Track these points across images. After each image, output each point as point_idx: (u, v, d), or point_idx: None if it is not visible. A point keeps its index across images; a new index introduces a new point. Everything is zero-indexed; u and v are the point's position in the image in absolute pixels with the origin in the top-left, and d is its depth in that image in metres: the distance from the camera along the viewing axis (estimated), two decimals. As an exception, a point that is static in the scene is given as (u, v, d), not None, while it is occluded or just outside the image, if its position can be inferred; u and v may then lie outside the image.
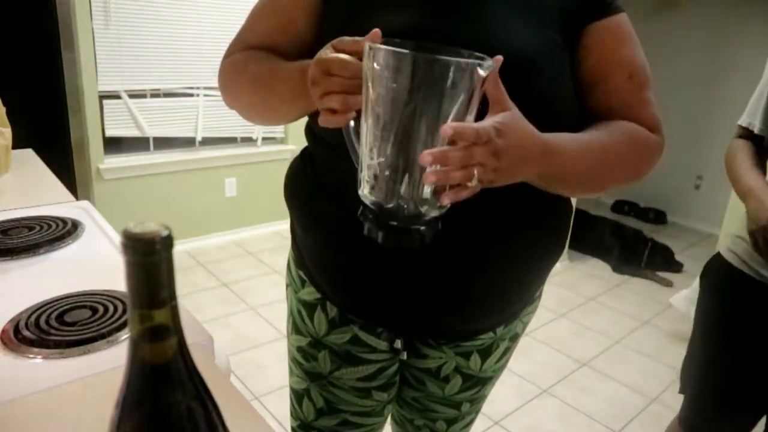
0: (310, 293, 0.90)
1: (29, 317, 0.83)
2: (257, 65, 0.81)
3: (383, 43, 0.59)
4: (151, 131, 3.17)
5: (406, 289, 0.79)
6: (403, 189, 0.60)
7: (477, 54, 0.59)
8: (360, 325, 0.87)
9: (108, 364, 0.75)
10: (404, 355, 0.91)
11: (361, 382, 0.92)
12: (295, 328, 0.95)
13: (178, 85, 3.17)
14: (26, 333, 0.79)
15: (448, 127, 0.55)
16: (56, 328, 0.81)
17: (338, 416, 0.95)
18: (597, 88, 0.78)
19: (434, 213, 0.62)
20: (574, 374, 2.38)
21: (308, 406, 0.96)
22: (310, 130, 0.86)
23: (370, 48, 0.57)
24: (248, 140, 3.60)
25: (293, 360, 0.98)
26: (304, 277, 0.91)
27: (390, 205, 0.61)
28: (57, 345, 0.77)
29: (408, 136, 0.58)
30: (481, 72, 0.56)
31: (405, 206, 0.61)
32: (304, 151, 0.90)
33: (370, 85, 0.58)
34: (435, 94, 0.56)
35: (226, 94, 0.88)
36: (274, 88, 0.77)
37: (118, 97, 3.02)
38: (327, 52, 0.63)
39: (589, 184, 0.76)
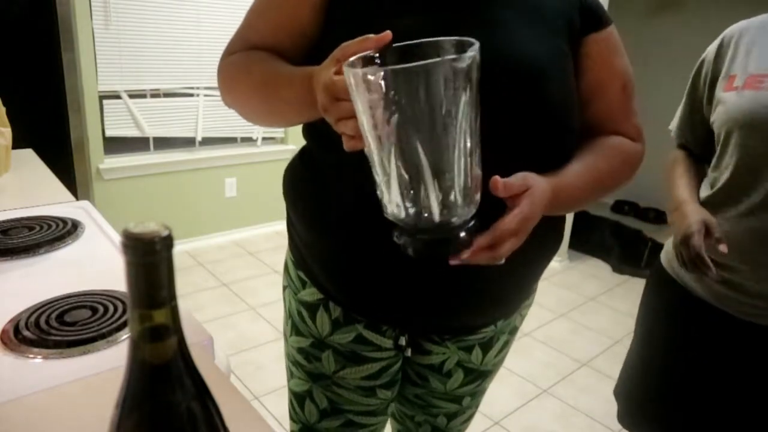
0: (311, 294, 0.89)
1: (29, 317, 0.83)
2: (261, 67, 0.78)
3: (363, 59, 0.57)
4: (151, 131, 3.17)
5: (412, 287, 0.79)
6: (421, 199, 0.58)
7: (464, 40, 0.57)
8: (364, 324, 0.87)
9: (108, 364, 0.75)
10: (408, 352, 0.91)
11: (365, 381, 0.91)
12: (296, 330, 0.94)
13: (178, 85, 3.17)
14: (26, 333, 0.79)
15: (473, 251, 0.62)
16: (56, 328, 0.81)
17: (342, 417, 0.94)
18: (593, 97, 0.81)
19: (464, 215, 0.60)
20: (574, 374, 2.38)
21: (311, 408, 0.96)
22: (309, 129, 0.85)
23: (345, 71, 0.56)
24: (248, 140, 3.60)
25: (294, 362, 0.96)
26: (305, 278, 0.90)
27: (412, 218, 0.60)
28: (57, 345, 0.77)
29: (409, 147, 0.56)
30: (461, 65, 0.54)
31: (428, 215, 0.59)
32: (303, 150, 0.90)
33: (358, 105, 0.56)
34: (420, 100, 0.54)
35: (226, 94, 0.85)
36: (279, 94, 0.75)
37: (118, 97, 3.02)
38: (331, 72, 0.61)
39: (583, 205, 0.82)
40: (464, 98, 0.55)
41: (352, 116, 0.59)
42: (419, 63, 0.53)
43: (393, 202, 0.60)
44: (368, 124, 0.57)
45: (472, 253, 0.63)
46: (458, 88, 0.54)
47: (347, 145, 0.62)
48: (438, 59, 0.54)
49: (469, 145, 0.58)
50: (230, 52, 0.85)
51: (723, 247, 0.96)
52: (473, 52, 0.54)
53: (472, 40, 0.56)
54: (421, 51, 0.58)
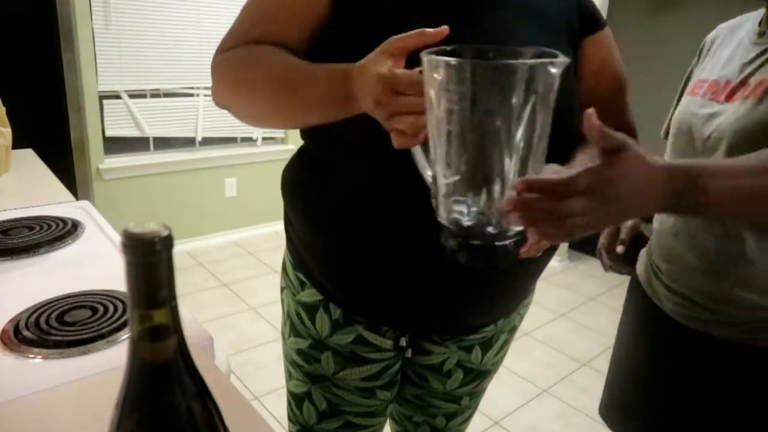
0: (310, 295, 0.89)
1: (29, 317, 0.83)
2: (275, 62, 0.73)
3: (439, 52, 0.55)
4: (151, 131, 3.17)
5: (413, 287, 0.79)
6: (482, 205, 0.56)
7: (546, 50, 0.56)
8: (364, 325, 0.87)
9: (108, 364, 0.75)
10: (409, 353, 0.91)
11: (365, 382, 0.91)
12: (294, 331, 0.93)
13: (178, 85, 3.17)
14: (26, 333, 0.79)
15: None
16: (56, 328, 0.81)
17: (341, 418, 0.94)
18: (590, 97, 0.82)
19: (519, 227, 0.59)
20: (574, 374, 2.38)
21: (309, 410, 0.95)
22: (307, 130, 0.85)
23: (429, 60, 0.53)
24: (248, 140, 3.60)
25: (292, 363, 0.96)
26: (304, 279, 0.90)
27: (470, 224, 0.58)
28: (57, 345, 0.77)
29: (480, 149, 0.54)
30: (553, 70, 0.52)
31: (486, 223, 0.57)
32: (302, 150, 0.89)
33: (433, 99, 0.54)
34: (502, 101, 0.52)
35: (223, 91, 0.80)
36: (300, 90, 0.71)
37: (118, 97, 3.02)
38: (384, 65, 0.58)
39: None
40: (548, 103, 0.54)
41: (409, 112, 0.57)
42: (521, 61, 0.51)
43: (451, 205, 0.58)
44: (442, 121, 0.54)
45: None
46: (547, 92, 0.53)
47: (398, 142, 0.59)
48: (539, 60, 0.52)
49: (540, 151, 0.56)
50: (228, 47, 0.80)
51: (620, 249, 1.10)
52: (565, 58, 0.53)
53: (556, 51, 0.55)
54: (499, 54, 0.56)
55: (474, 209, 0.57)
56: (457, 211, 0.58)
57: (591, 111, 0.55)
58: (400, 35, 0.60)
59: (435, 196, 0.60)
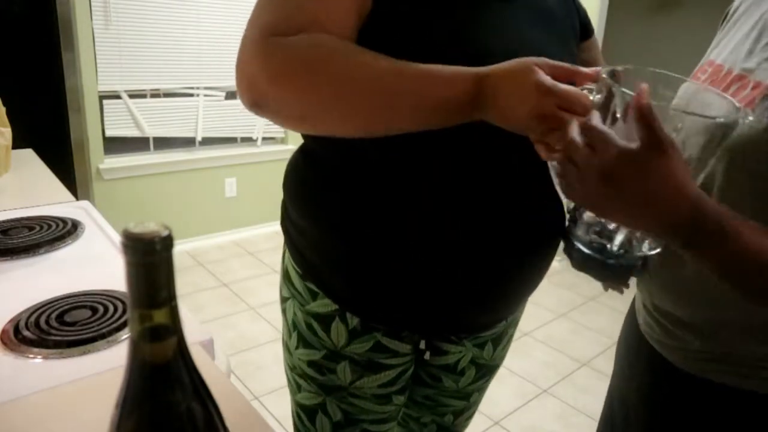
0: (324, 305, 0.85)
1: (29, 317, 0.83)
2: (368, 58, 0.65)
3: (611, 77, 0.56)
4: (151, 131, 3.17)
5: (433, 288, 0.79)
6: (623, 233, 0.60)
7: (741, 108, 0.57)
8: (383, 332, 0.84)
9: (108, 364, 0.75)
10: (428, 355, 0.90)
11: (381, 389, 0.89)
12: (304, 342, 0.89)
13: (178, 85, 3.17)
14: (26, 333, 0.79)
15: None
16: (56, 328, 0.81)
17: (357, 427, 0.91)
18: None
19: (640, 252, 0.61)
20: (574, 374, 2.38)
21: (323, 421, 0.92)
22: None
23: (620, 91, 0.53)
24: (248, 140, 3.60)
25: (302, 375, 0.91)
26: (316, 289, 0.85)
27: (606, 244, 0.61)
28: (57, 345, 0.77)
29: None
30: (743, 122, 0.54)
31: (625, 243, 0.60)
32: (305, 151, 0.86)
33: (608, 124, 0.54)
34: (685, 141, 0.55)
35: (285, 83, 0.66)
36: (407, 91, 0.64)
37: (118, 97, 3.02)
38: (542, 76, 0.57)
39: None
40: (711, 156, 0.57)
41: (561, 128, 0.57)
42: (722, 120, 0.55)
43: (591, 224, 0.61)
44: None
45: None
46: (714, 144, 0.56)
47: (549, 156, 0.60)
48: (734, 119, 0.54)
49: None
50: (275, 32, 0.66)
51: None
52: (751, 117, 0.55)
53: (743, 109, 0.57)
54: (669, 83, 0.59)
55: (617, 234, 0.60)
56: (596, 231, 0.61)
57: (645, 86, 0.51)
58: (554, 62, 0.60)
59: (575, 211, 0.63)
